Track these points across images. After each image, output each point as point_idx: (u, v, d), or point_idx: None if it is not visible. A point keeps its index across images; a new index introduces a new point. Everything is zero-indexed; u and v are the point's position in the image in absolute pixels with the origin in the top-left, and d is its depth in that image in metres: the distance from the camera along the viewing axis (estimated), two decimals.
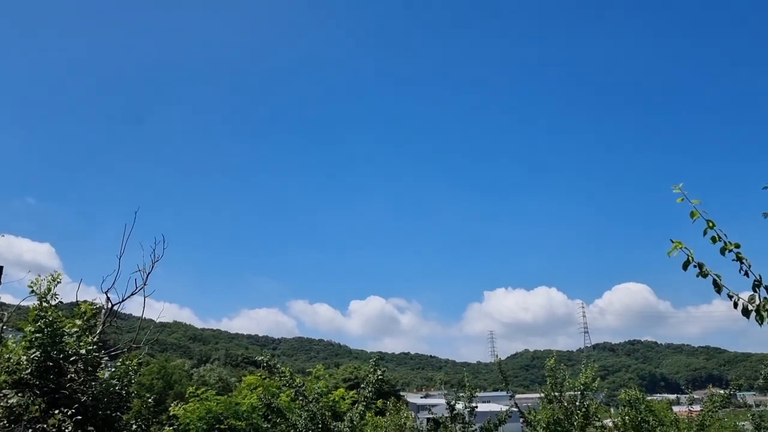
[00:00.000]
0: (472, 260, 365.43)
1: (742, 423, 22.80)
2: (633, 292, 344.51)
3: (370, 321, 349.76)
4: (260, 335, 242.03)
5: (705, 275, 3.31)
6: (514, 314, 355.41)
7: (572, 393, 15.44)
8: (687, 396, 21.25)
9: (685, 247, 3.31)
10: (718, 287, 3.37)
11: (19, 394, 9.24)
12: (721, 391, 15.70)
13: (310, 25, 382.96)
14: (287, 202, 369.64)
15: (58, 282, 10.83)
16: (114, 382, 10.52)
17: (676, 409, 21.66)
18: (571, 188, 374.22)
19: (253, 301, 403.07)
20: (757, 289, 3.34)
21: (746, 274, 3.32)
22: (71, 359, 9.90)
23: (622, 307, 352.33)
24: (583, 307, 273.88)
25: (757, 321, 3.26)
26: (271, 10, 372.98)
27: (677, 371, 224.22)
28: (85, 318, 10.79)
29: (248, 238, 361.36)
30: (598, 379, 15.35)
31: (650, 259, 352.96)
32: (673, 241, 3.31)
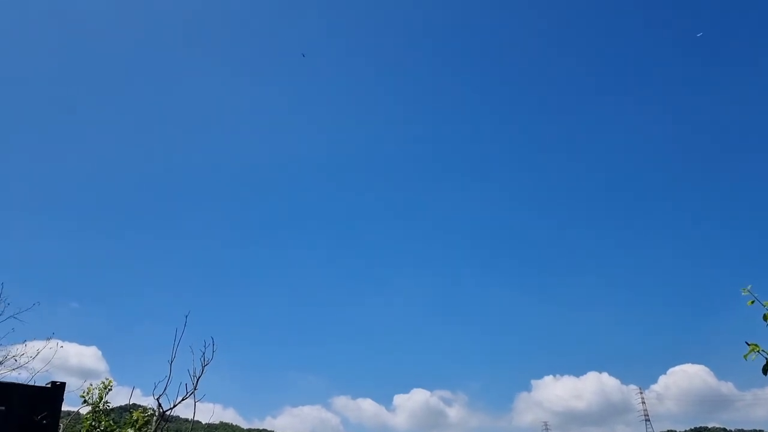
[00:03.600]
0: (515, 348, 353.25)
1: None
2: (690, 374, 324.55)
3: (416, 415, 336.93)
4: None
5: None
6: (566, 403, 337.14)
7: None
8: None
9: (763, 350, 3.16)
10: None
11: None
12: None
13: (341, 120, 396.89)
14: (323, 296, 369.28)
15: (109, 389, 10.93)
16: None
17: None
18: (610, 268, 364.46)
19: (296, 398, 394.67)
20: None
21: None
22: None
23: (681, 392, 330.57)
24: (641, 393, 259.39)
25: None
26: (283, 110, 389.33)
27: None
28: (136, 427, 10.76)
29: (286, 334, 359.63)
30: None
31: (704, 338, 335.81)
32: (748, 344, 3.17)
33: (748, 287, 3.19)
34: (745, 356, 3.21)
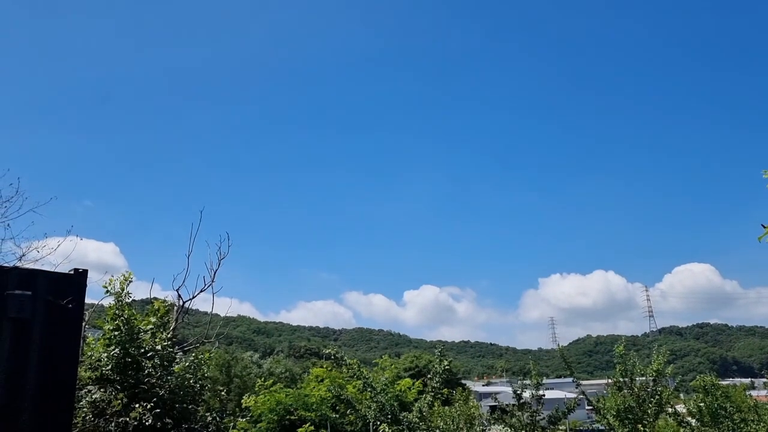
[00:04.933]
0: (522, 246, 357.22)
1: None
2: (695, 273, 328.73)
3: (425, 310, 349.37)
4: (321, 327, 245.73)
5: None
6: (572, 299, 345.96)
7: (643, 379, 15.06)
8: (765, 380, 20.44)
9: None
10: None
11: (102, 389, 9.68)
12: None
13: (355, 22, 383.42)
14: (335, 195, 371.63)
15: (129, 281, 11.27)
16: (188, 375, 10.89)
17: (752, 394, 20.82)
18: (619, 166, 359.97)
19: (309, 294, 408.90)
20: None
21: None
22: (148, 355, 10.30)
23: (686, 290, 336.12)
24: (646, 290, 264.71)
25: None
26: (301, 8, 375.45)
27: (750, 354, 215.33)
28: (158, 315, 11.19)
29: (299, 231, 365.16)
30: (671, 365, 14.91)
31: (710, 238, 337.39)
32: (764, 226, 3.14)
33: None
34: (759, 238, 3.20)
